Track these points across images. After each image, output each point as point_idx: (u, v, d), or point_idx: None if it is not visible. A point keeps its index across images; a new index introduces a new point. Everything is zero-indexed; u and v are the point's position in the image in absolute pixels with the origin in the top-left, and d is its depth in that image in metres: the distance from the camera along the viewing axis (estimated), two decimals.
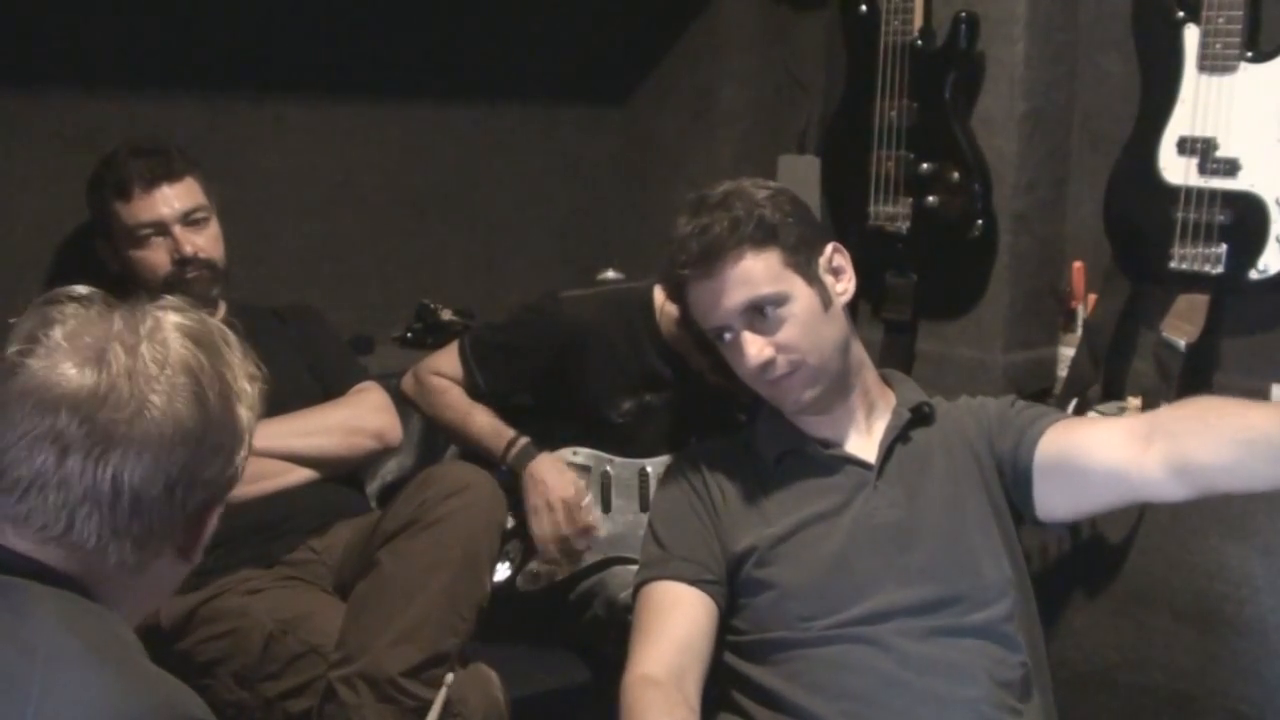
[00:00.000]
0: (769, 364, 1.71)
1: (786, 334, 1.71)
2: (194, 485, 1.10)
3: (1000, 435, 1.78)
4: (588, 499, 2.28)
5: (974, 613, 1.67)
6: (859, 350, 1.82)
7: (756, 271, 1.70)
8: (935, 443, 1.79)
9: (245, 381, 1.16)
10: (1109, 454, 1.67)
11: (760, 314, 1.71)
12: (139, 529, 1.09)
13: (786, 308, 1.71)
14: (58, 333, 1.10)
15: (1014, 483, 1.75)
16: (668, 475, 1.91)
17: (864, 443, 1.79)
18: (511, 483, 2.24)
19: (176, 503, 1.10)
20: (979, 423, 1.81)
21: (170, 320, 1.14)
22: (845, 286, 1.80)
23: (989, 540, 1.73)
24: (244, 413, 1.15)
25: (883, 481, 1.75)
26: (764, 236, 1.70)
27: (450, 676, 1.79)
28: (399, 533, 1.98)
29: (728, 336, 1.74)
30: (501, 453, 2.28)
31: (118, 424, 1.07)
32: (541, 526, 2.23)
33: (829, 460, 1.77)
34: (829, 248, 1.79)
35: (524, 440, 2.28)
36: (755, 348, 1.71)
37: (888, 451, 1.77)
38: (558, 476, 2.25)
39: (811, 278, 1.74)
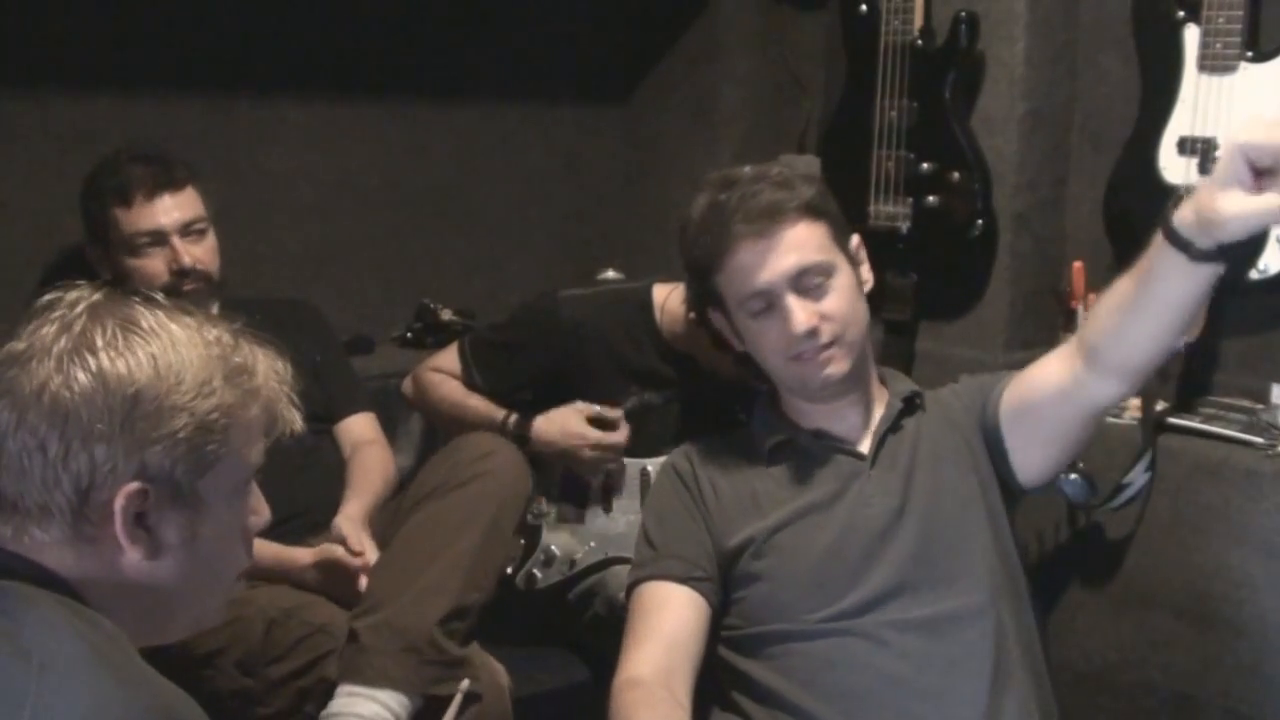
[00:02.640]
0: (814, 332, 1.70)
1: (832, 304, 1.72)
2: (71, 454, 1.08)
3: (977, 406, 1.80)
4: (591, 409, 2.30)
5: (961, 592, 1.67)
6: (869, 345, 1.84)
7: (812, 239, 1.72)
8: (924, 429, 1.81)
9: (209, 379, 1.13)
10: (1051, 380, 1.69)
11: (807, 282, 1.71)
12: (32, 500, 1.09)
13: (834, 279, 1.72)
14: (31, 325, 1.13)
15: (995, 451, 1.77)
16: (660, 474, 1.92)
17: (859, 435, 1.80)
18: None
19: (58, 469, 1.08)
20: (962, 401, 1.83)
21: (114, 303, 1.14)
22: (867, 277, 1.82)
23: (973, 515, 1.74)
24: (178, 402, 1.10)
25: (875, 470, 1.76)
26: (816, 209, 1.73)
27: (466, 682, 1.80)
28: (430, 495, 2.04)
29: (760, 306, 1.72)
30: (500, 425, 2.30)
31: (16, 380, 1.09)
32: (594, 465, 2.28)
33: (822, 451, 1.79)
34: (855, 237, 1.82)
35: (515, 415, 2.31)
36: (805, 313, 1.70)
37: (880, 441, 1.78)
38: (557, 427, 2.28)
39: (850, 258, 1.78)
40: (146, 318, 1.13)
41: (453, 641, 1.91)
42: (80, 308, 1.12)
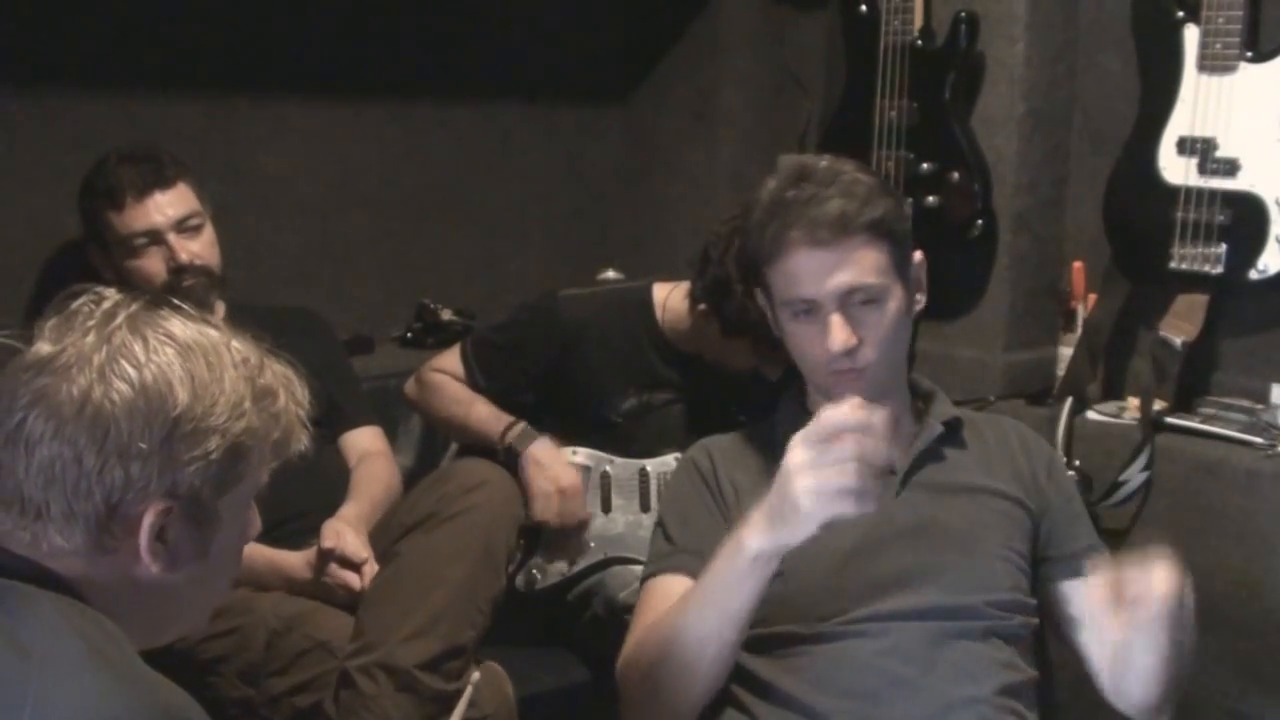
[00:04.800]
0: (849, 353, 1.66)
1: (875, 330, 1.67)
2: (107, 468, 1.08)
3: (1050, 504, 1.77)
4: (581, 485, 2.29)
5: (985, 623, 1.67)
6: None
7: (869, 260, 1.65)
8: (966, 459, 1.78)
9: (240, 401, 1.13)
10: (1098, 651, 1.72)
11: (855, 302, 1.66)
12: (58, 509, 1.08)
13: (882, 305, 1.67)
14: (52, 321, 1.12)
15: (1033, 560, 1.76)
16: (680, 466, 1.88)
17: (890, 446, 1.76)
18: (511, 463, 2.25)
19: (91, 481, 1.08)
20: (1032, 462, 1.80)
21: (152, 315, 1.14)
22: (922, 298, 1.77)
23: (1009, 561, 1.72)
24: (213, 424, 1.11)
25: (906, 489, 1.73)
26: (883, 228, 1.66)
27: (476, 674, 1.80)
28: (418, 526, 2.01)
29: (803, 309, 1.68)
30: (501, 433, 2.29)
31: (52, 388, 1.08)
32: (548, 511, 2.24)
33: None
34: (917, 255, 1.76)
35: (524, 423, 2.30)
36: (844, 333, 1.65)
37: (915, 461, 1.74)
38: (559, 463, 2.27)
39: (906, 281, 1.71)
40: (182, 330, 1.13)
41: (450, 680, 1.90)
42: (120, 318, 1.12)
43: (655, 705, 1.62)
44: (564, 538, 2.29)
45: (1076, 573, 1.76)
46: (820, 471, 1.40)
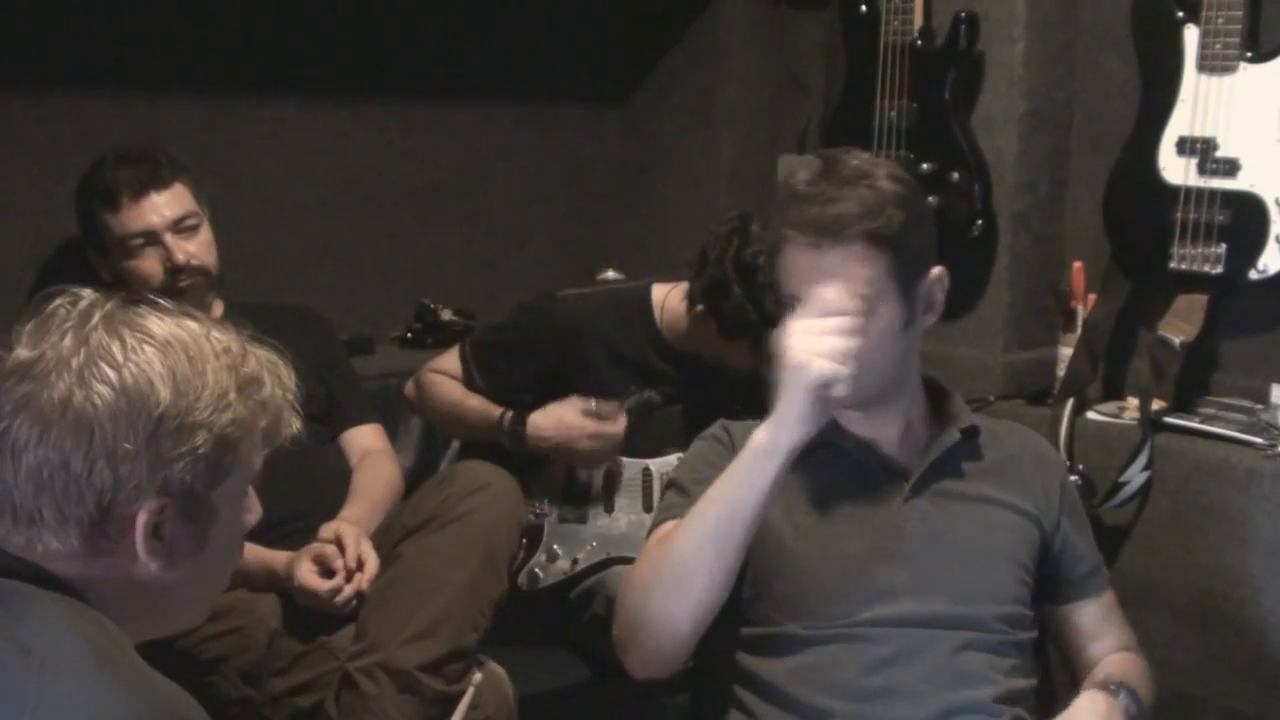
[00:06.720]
0: None
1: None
2: (96, 471, 1.07)
3: (1060, 524, 1.78)
4: (588, 404, 2.29)
5: (988, 634, 1.67)
6: (914, 362, 1.78)
7: (861, 270, 1.63)
8: (980, 469, 1.77)
9: (225, 393, 1.13)
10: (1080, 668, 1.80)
11: None
12: (51, 514, 1.08)
13: (871, 315, 1.63)
14: (30, 325, 1.12)
15: (1038, 575, 1.77)
16: (700, 439, 1.85)
17: (903, 450, 1.75)
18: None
19: (81, 484, 1.07)
20: (1046, 477, 1.80)
21: (128, 313, 1.13)
22: (931, 318, 1.75)
23: (1014, 575, 1.72)
24: (199, 419, 1.11)
25: (918, 496, 1.72)
26: (884, 240, 1.63)
27: (478, 675, 1.80)
28: (421, 528, 2.02)
29: (794, 305, 1.65)
30: (498, 418, 2.31)
31: (34, 394, 1.08)
32: (593, 458, 2.29)
33: (866, 462, 1.74)
34: (935, 271, 1.73)
35: (512, 413, 2.31)
36: None
37: (929, 470, 1.73)
38: (558, 420, 2.28)
39: (905, 295, 1.68)
40: (160, 327, 1.13)
41: (451, 681, 1.90)
42: (96, 319, 1.11)
43: (647, 617, 1.62)
44: (608, 456, 2.32)
45: (1079, 596, 1.79)
46: (816, 335, 1.52)
